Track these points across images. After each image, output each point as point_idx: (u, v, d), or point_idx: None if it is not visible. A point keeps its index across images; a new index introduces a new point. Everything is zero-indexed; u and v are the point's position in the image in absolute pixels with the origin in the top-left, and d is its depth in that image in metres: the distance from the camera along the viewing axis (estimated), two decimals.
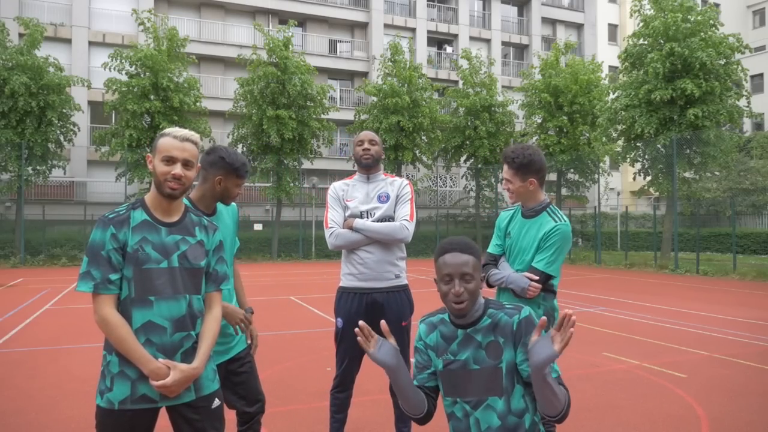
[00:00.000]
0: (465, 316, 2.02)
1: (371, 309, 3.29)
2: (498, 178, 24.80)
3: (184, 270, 2.08)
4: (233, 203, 2.95)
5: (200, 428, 2.09)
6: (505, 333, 1.98)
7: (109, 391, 1.99)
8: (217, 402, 2.17)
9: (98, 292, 1.98)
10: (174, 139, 2.09)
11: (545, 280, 2.86)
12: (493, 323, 2.01)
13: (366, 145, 3.40)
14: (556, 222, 2.90)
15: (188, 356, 2.06)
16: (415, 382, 2.08)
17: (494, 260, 3.05)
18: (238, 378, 2.76)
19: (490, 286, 2.99)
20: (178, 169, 2.07)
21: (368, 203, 3.36)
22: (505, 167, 2.95)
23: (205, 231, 2.20)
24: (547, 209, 2.96)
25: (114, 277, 1.99)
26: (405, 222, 3.31)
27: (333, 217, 3.36)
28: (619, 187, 37.09)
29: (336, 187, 3.46)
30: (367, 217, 3.32)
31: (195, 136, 2.15)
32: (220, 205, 2.86)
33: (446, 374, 2.03)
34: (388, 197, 3.37)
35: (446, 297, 1.98)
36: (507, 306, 2.05)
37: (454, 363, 2.02)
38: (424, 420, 2.08)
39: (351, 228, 3.28)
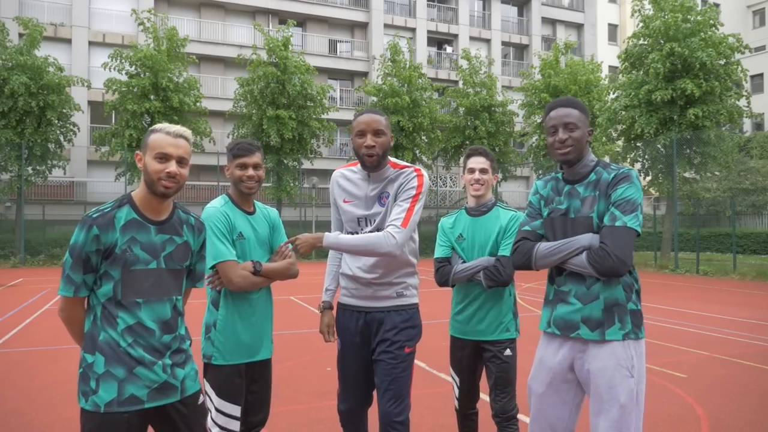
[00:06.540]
0: (571, 164, 2.28)
1: (368, 329, 2.68)
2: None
3: (169, 271, 2.03)
4: (274, 211, 2.88)
5: (188, 423, 2.05)
6: (602, 187, 2.23)
7: (94, 393, 1.91)
8: (201, 398, 2.16)
9: (76, 296, 1.94)
10: (167, 135, 1.98)
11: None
12: (596, 179, 2.26)
13: (369, 141, 2.54)
14: (514, 212, 3.02)
15: (176, 355, 2.04)
16: (527, 228, 2.40)
17: (447, 261, 3.09)
18: (254, 386, 2.74)
19: (452, 285, 3.03)
20: (173, 166, 1.95)
21: (368, 208, 2.65)
22: (482, 159, 3.02)
23: (192, 231, 2.13)
24: (498, 204, 3.08)
25: (90, 280, 1.94)
26: (391, 229, 2.49)
27: (332, 221, 2.89)
28: None
29: (335, 181, 2.80)
30: (366, 225, 2.65)
31: (187, 132, 2.04)
32: (262, 210, 2.81)
33: (549, 221, 2.35)
34: (389, 197, 2.63)
35: (552, 147, 2.27)
36: (614, 166, 2.26)
37: (556, 211, 2.32)
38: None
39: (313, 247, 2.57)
